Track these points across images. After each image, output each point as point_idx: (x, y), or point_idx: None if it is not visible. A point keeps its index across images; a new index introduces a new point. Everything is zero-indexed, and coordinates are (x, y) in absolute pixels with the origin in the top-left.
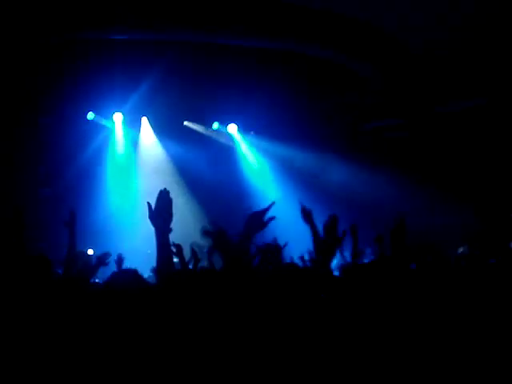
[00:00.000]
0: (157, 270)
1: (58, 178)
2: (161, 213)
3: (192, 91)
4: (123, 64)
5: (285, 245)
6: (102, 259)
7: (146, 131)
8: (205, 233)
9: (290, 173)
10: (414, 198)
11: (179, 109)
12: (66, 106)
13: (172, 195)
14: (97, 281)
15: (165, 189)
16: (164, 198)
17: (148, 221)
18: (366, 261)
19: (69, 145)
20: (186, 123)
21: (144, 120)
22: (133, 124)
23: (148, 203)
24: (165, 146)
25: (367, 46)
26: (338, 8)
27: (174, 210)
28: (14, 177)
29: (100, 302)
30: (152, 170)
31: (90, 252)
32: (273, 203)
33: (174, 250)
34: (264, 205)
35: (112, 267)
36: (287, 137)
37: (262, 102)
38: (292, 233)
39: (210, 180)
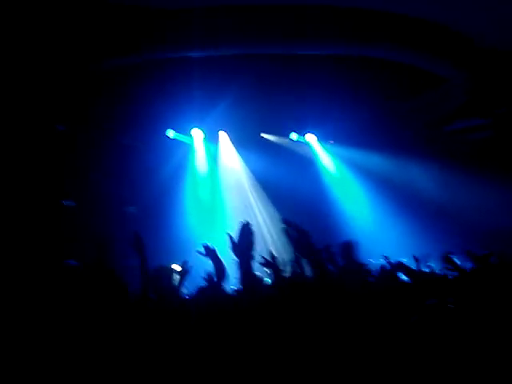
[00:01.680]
0: (242, 294)
1: (142, 197)
2: (243, 246)
3: (269, 103)
4: (200, 80)
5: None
6: (185, 268)
7: (225, 145)
8: (286, 223)
9: (371, 180)
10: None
11: (257, 121)
12: (146, 125)
13: (252, 210)
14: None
15: (247, 222)
16: (246, 231)
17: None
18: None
19: (150, 163)
20: (263, 135)
21: (222, 134)
22: (211, 139)
23: (229, 235)
24: (244, 159)
25: (449, 46)
26: (417, 12)
27: (255, 225)
28: (100, 198)
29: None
30: (232, 183)
31: (176, 267)
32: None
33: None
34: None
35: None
36: (367, 144)
37: (340, 109)
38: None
39: (290, 191)
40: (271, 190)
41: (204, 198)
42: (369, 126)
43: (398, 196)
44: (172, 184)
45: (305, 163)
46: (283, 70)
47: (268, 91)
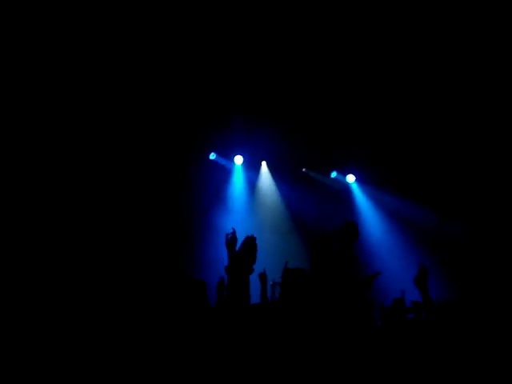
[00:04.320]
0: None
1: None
2: (244, 258)
3: (314, 139)
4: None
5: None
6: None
7: (265, 175)
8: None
9: (408, 231)
10: None
11: (299, 155)
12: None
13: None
14: None
15: (252, 235)
16: (249, 245)
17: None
18: None
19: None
20: (304, 170)
21: (264, 164)
22: (252, 167)
23: (230, 234)
24: (281, 191)
25: None
26: None
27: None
28: None
29: None
30: (267, 213)
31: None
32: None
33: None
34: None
35: None
36: (409, 193)
37: (385, 153)
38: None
39: (321, 228)
40: (304, 225)
41: (236, 223)
42: (412, 174)
43: (433, 250)
44: (209, 207)
45: (342, 203)
46: (330, 108)
47: (314, 127)
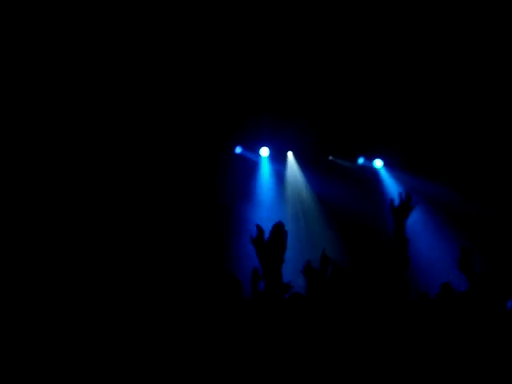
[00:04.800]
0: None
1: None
2: (274, 247)
3: (339, 125)
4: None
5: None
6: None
7: (292, 165)
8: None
9: (439, 212)
10: None
11: (325, 143)
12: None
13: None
14: None
15: (280, 222)
16: (279, 232)
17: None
18: None
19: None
20: (330, 158)
21: (290, 154)
22: (279, 158)
23: (257, 227)
24: (309, 181)
25: None
26: None
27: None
28: None
29: None
30: (296, 204)
31: None
32: None
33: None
34: None
35: None
36: (436, 174)
37: (412, 135)
38: None
39: (352, 216)
40: (334, 213)
41: (266, 217)
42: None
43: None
44: (234, 201)
45: (370, 188)
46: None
47: (338, 114)
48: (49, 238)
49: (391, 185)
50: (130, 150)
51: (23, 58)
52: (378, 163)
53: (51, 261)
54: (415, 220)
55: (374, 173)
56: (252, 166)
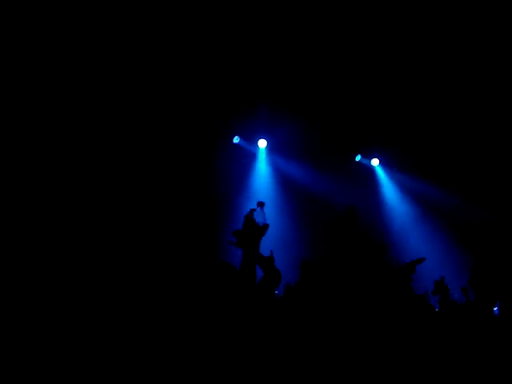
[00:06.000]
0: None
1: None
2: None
3: (338, 122)
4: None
5: None
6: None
7: (288, 159)
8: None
9: (433, 214)
10: None
11: (323, 139)
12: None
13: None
14: None
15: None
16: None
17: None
18: None
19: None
20: (328, 153)
21: (287, 149)
22: (276, 151)
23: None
24: (305, 175)
25: None
26: None
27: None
28: None
29: None
30: (288, 195)
31: None
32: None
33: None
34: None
35: None
36: (435, 178)
37: (411, 135)
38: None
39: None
40: (326, 205)
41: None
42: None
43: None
44: (231, 190)
45: (366, 186)
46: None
47: (338, 111)
48: (43, 231)
49: (386, 183)
50: (128, 140)
51: (23, 58)
52: (375, 161)
53: (47, 255)
54: (408, 218)
55: (371, 170)
56: (249, 156)
